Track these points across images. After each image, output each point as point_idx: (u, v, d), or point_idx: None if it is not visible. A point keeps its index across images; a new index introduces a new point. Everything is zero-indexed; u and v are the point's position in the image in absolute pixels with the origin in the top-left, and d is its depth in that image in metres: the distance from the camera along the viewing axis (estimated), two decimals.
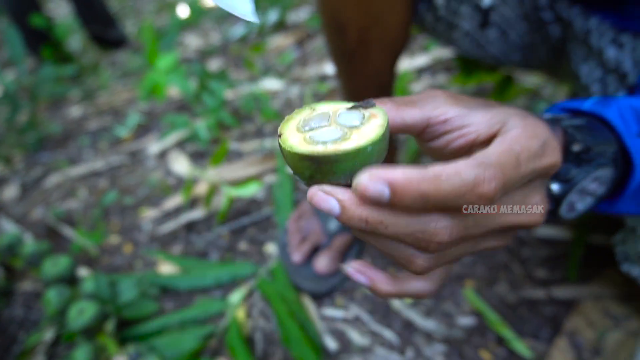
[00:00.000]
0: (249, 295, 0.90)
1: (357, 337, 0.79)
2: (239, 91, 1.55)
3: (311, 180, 0.28)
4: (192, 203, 1.13)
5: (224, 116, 1.34)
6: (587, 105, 0.40)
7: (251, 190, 1.00)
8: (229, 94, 1.54)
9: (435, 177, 0.25)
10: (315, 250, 0.90)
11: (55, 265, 0.85)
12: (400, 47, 0.74)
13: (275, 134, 1.32)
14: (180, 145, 1.37)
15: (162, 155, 1.35)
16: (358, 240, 0.94)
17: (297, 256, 0.88)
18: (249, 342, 0.83)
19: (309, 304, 0.86)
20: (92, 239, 1.05)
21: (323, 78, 1.54)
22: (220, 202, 1.09)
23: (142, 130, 1.52)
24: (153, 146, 1.39)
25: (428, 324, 0.80)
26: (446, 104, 0.33)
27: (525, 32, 0.72)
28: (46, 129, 1.63)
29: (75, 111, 1.79)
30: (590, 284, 0.80)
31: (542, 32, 0.70)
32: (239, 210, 1.08)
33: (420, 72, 1.46)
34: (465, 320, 0.80)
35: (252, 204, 1.09)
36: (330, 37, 0.74)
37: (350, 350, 0.78)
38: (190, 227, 1.07)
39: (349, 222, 0.28)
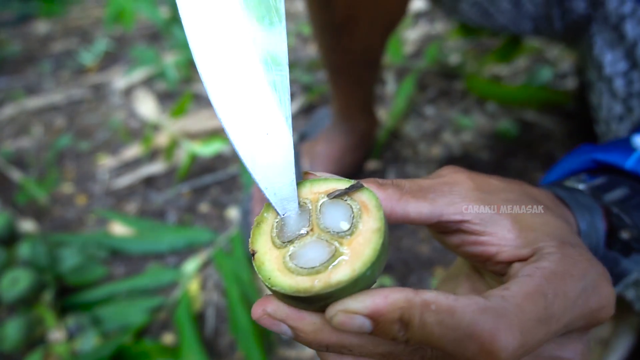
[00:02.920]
0: (204, 266, 0.83)
1: None
2: None
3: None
4: (153, 155, 1.03)
5: None
6: (630, 163, 0.31)
7: (214, 148, 0.90)
8: None
9: (426, 305, 0.20)
10: None
11: None
12: (393, 22, 0.63)
13: None
14: (148, 82, 1.24)
15: (128, 92, 1.22)
16: None
17: None
18: (199, 318, 0.77)
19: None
20: (43, 187, 0.96)
21: None
22: (182, 156, 0.99)
23: (109, 60, 1.37)
24: (119, 81, 1.26)
25: None
26: (466, 199, 0.25)
27: (543, 3, 0.60)
28: (4, 50, 1.47)
29: (40, 27, 1.62)
30: None
31: (564, 6, 0.58)
32: (203, 166, 0.99)
33: (418, 17, 1.30)
34: None
35: (217, 161, 1.00)
36: (315, 9, 0.62)
37: None
38: (149, 182, 0.98)
39: (306, 345, 0.23)
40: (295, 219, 0.24)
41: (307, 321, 0.22)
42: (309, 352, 0.71)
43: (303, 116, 1.08)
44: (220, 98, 0.24)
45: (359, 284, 0.21)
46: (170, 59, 1.23)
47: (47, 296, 0.73)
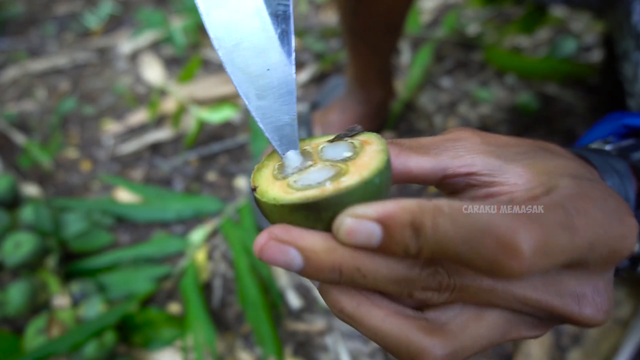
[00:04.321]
0: (212, 235, 0.81)
1: None
2: None
3: None
4: (159, 121, 0.99)
5: None
6: None
7: (223, 115, 0.87)
8: None
9: (439, 208, 0.18)
10: None
11: None
12: None
13: None
14: (155, 47, 1.20)
15: (134, 57, 1.18)
16: None
17: None
18: (206, 288, 0.75)
19: None
20: (47, 151, 0.93)
21: None
22: (190, 123, 0.96)
23: (115, 23, 1.32)
24: (124, 45, 1.21)
25: None
26: (472, 151, 0.24)
27: None
28: (7, 11, 1.42)
29: None
30: None
31: None
32: (211, 134, 0.96)
33: None
34: None
35: (226, 128, 0.97)
36: None
37: (314, 310, 0.71)
38: (156, 148, 0.95)
39: (314, 276, 0.21)
40: (296, 159, 0.23)
41: (317, 238, 0.20)
42: (317, 324, 0.69)
43: (315, 85, 1.04)
44: (218, 31, 0.23)
45: (368, 191, 0.20)
46: (177, 23, 1.18)
47: (51, 261, 0.71)
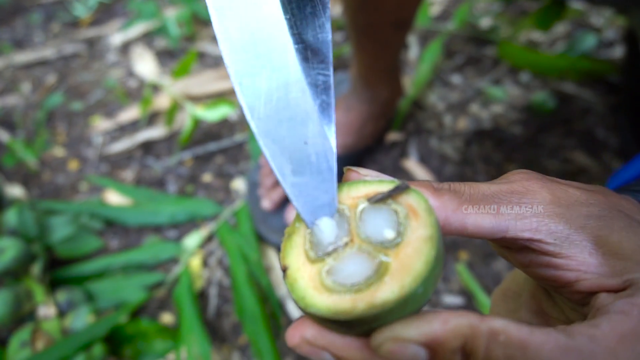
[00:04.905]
0: (207, 241, 0.80)
1: None
2: None
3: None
4: (152, 118, 0.98)
5: (200, 8, 1.15)
6: None
7: (220, 113, 0.86)
8: None
9: (494, 335, 0.18)
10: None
11: None
12: None
13: None
14: (147, 38, 1.19)
15: (125, 48, 1.17)
16: None
17: (267, 202, 0.77)
18: (201, 297, 0.75)
19: (274, 259, 0.77)
20: (32, 149, 0.92)
21: None
22: (185, 120, 0.95)
23: (104, 12, 1.31)
24: (115, 36, 1.20)
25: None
26: (539, 214, 0.22)
27: None
28: None
29: None
30: None
31: None
32: (207, 132, 0.95)
33: None
34: (452, 300, 0.72)
35: (223, 126, 0.96)
36: None
37: None
38: (148, 147, 0.94)
39: None
40: (331, 228, 0.22)
41: (353, 349, 0.20)
42: None
43: None
44: (251, 99, 0.23)
45: (409, 305, 0.19)
46: (171, 13, 1.17)
47: (36, 268, 0.70)
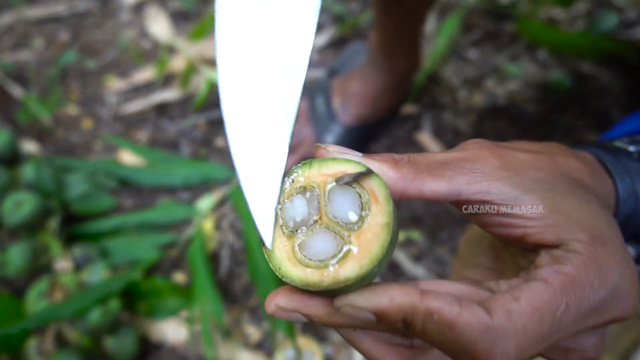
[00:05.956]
0: (220, 204, 0.81)
1: None
2: None
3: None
4: (167, 80, 0.98)
5: None
6: None
7: None
8: None
9: (429, 314, 0.22)
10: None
11: None
12: None
13: None
14: None
15: (138, 8, 1.16)
16: None
17: None
18: (213, 259, 0.76)
19: None
20: (46, 106, 0.92)
21: None
22: (200, 84, 0.95)
23: None
24: None
25: (416, 269, 0.74)
26: (489, 177, 0.25)
27: None
28: None
29: None
30: None
31: None
32: None
33: None
34: None
35: None
36: None
37: None
38: (162, 109, 0.94)
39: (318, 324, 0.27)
40: (303, 204, 0.25)
41: (319, 309, 0.24)
42: None
43: (333, 50, 1.02)
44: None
45: (365, 280, 0.23)
46: None
47: (53, 223, 0.71)
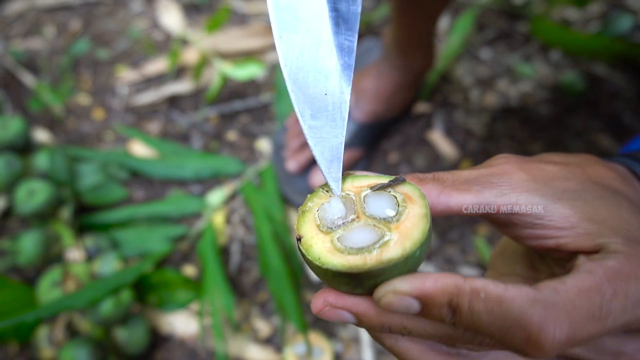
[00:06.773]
0: (231, 198, 0.81)
1: None
2: None
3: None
4: (179, 72, 0.98)
5: None
6: None
7: (248, 72, 0.86)
8: None
9: (475, 293, 0.21)
10: (314, 161, 0.80)
11: (5, 128, 0.74)
12: None
13: None
14: None
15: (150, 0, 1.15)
16: (366, 155, 0.83)
17: (292, 164, 0.78)
18: (223, 253, 0.76)
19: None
20: (57, 95, 0.92)
21: None
22: (212, 77, 0.94)
23: None
24: None
25: (426, 268, 0.74)
26: (517, 189, 0.25)
27: None
28: None
29: None
30: None
31: None
32: (233, 90, 0.95)
33: None
34: (468, 271, 0.74)
35: (249, 86, 0.95)
36: None
37: None
38: (174, 101, 0.94)
39: (367, 329, 0.25)
40: (340, 207, 0.25)
41: (368, 305, 0.23)
42: None
43: None
44: (287, 51, 0.26)
45: (408, 263, 0.23)
46: None
47: (65, 213, 0.71)
